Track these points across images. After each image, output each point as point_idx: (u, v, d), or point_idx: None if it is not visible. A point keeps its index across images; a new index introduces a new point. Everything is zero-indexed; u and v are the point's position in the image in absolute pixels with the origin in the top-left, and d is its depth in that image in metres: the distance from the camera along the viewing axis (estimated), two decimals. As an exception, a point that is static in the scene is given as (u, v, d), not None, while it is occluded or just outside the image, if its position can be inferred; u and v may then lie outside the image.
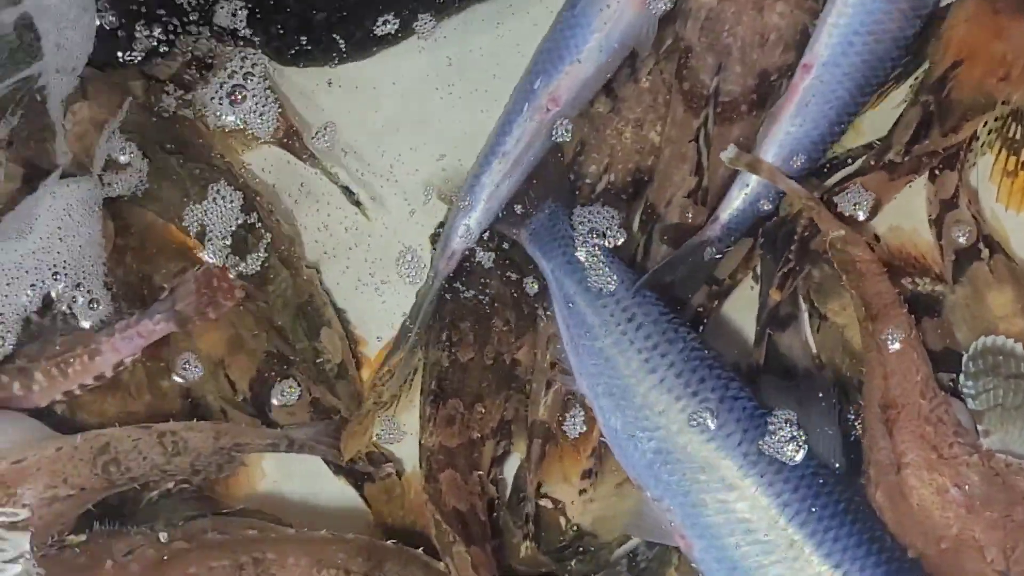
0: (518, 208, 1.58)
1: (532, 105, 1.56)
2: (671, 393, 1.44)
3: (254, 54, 1.62)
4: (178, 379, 1.59)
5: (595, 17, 1.54)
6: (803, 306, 1.57)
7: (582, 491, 1.55)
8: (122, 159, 1.58)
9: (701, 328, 1.56)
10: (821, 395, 1.48)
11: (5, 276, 1.53)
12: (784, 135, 1.52)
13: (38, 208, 1.55)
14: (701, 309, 1.56)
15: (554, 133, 1.57)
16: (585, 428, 1.53)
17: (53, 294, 1.55)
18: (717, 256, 1.55)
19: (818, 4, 1.53)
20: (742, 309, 1.59)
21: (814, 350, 1.56)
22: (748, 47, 1.55)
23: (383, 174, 1.66)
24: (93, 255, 1.56)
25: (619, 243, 1.53)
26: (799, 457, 1.41)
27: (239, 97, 1.60)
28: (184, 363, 1.58)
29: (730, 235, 1.55)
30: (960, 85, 1.52)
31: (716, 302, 1.58)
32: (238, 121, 1.61)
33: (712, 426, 1.42)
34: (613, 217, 1.54)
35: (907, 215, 1.57)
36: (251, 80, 1.61)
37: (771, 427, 1.42)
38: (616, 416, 1.46)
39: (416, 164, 1.65)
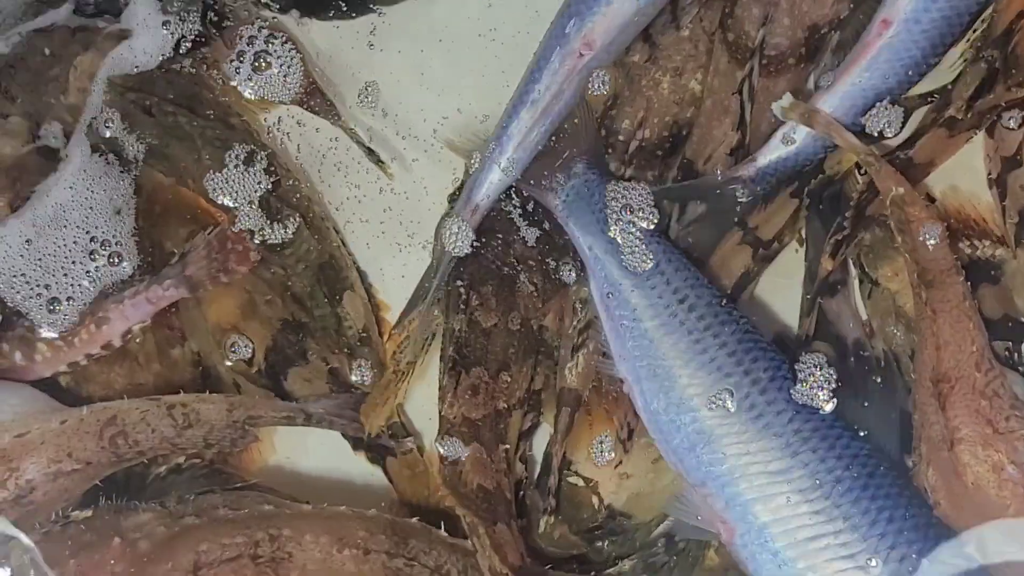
0: (546, 171, 1.51)
1: (564, 49, 1.49)
2: (721, 372, 1.39)
3: (272, 17, 1.57)
4: (228, 363, 1.55)
5: None
6: (853, 271, 1.51)
7: (616, 465, 1.48)
8: (107, 132, 1.52)
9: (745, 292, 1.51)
10: (874, 371, 1.44)
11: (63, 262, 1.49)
12: (850, 87, 1.46)
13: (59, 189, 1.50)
14: (745, 272, 1.50)
15: (591, 85, 1.50)
16: (613, 455, 1.49)
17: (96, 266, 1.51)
18: (743, 200, 1.48)
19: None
20: (786, 272, 1.53)
21: (864, 316, 1.50)
22: (798, -1, 1.49)
23: (426, 138, 1.59)
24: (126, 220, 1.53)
25: (652, 224, 1.46)
26: (830, 407, 1.38)
27: (263, 64, 1.54)
28: (232, 344, 1.54)
29: (764, 179, 1.49)
30: (1025, 38, 1.44)
31: (761, 265, 1.51)
32: (264, 86, 1.55)
33: (763, 405, 1.37)
34: (646, 195, 1.47)
35: (963, 174, 1.49)
36: (272, 44, 1.55)
37: (800, 374, 1.39)
38: (659, 398, 1.41)
39: (459, 128, 1.58)
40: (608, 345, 1.46)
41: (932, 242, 1.39)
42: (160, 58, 1.54)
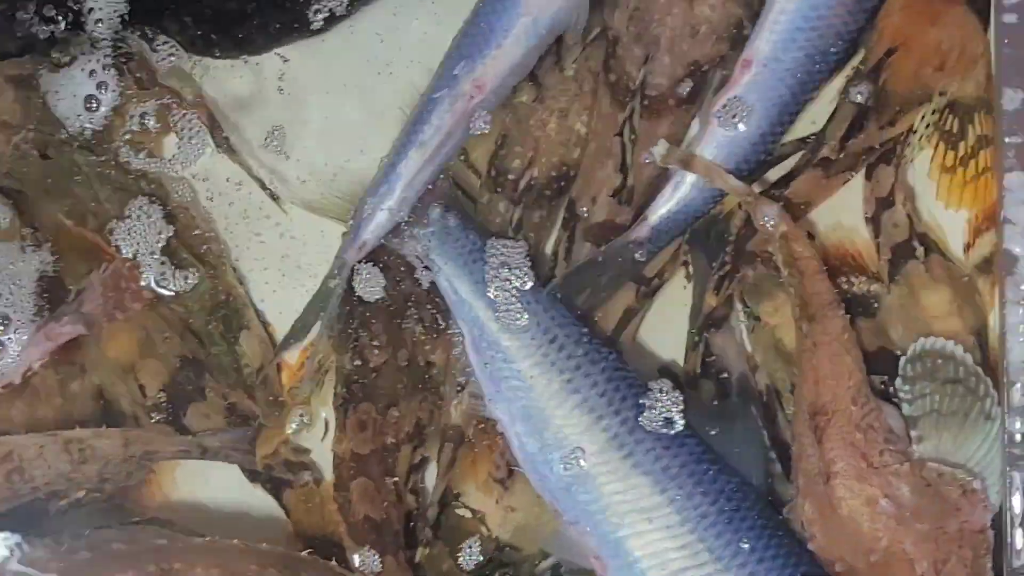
0: (403, 224, 1.53)
1: (454, 91, 1.49)
2: (593, 413, 1.40)
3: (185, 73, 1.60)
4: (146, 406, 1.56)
5: None
6: (737, 307, 1.52)
7: (498, 500, 1.50)
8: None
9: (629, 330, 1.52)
10: (746, 410, 1.47)
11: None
12: (721, 134, 1.46)
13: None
14: (629, 310, 1.51)
15: (472, 125, 1.51)
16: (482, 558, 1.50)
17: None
18: (643, 259, 1.49)
19: (753, -3, 1.49)
20: (671, 306, 1.54)
21: (749, 349, 1.51)
22: (678, 38, 1.49)
23: (326, 181, 1.59)
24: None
25: (527, 286, 1.46)
26: (678, 426, 1.39)
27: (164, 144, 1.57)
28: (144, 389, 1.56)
29: (660, 237, 1.49)
30: (895, 76, 1.47)
31: (644, 302, 1.53)
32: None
33: (632, 444, 1.38)
34: (525, 253, 1.49)
35: (845, 212, 1.51)
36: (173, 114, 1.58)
37: (646, 402, 1.40)
38: (533, 440, 1.43)
39: (360, 171, 1.58)
40: (481, 387, 1.47)
41: (771, 223, 1.41)
42: (76, 119, 1.56)
